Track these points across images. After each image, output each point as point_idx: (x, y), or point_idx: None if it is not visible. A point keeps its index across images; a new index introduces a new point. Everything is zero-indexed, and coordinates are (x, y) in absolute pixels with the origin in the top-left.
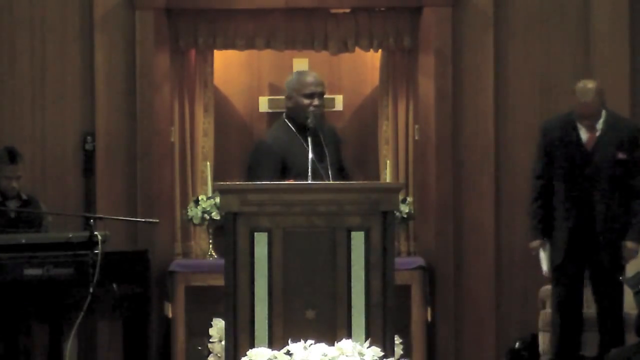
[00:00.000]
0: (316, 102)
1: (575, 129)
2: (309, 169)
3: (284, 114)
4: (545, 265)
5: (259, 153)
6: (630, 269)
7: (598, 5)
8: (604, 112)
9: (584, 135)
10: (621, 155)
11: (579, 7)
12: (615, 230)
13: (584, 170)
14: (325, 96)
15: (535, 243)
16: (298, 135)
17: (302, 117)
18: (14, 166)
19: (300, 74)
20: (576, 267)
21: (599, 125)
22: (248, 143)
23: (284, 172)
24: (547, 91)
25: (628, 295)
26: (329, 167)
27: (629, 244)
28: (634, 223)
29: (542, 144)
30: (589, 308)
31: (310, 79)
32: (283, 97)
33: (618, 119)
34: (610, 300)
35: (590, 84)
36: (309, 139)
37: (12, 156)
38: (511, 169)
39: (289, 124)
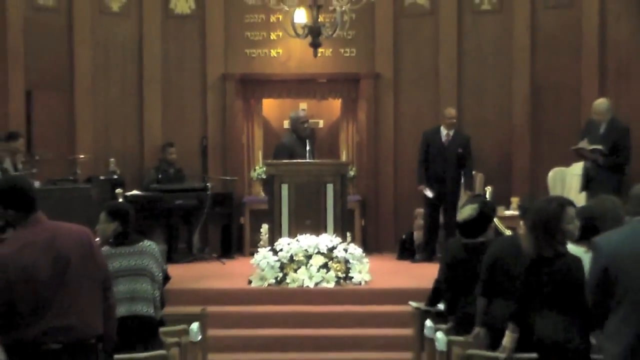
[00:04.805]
0: (306, 125)
1: (439, 134)
2: (307, 156)
3: (290, 129)
4: (429, 193)
5: (279, 147)
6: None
7: (444, 72)
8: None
9: (443, 137)
10: (460, 150)
11: (435, 74)
12: (456, 189)
13: (441, 157)
14: (312, 120)
15: (421, 186)
16: (298, 140)
17: (302, 133)
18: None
19: (297, 113)
20: (436, 201)
21: (452, 133)
22: (278, 142)
23: (291, 156)
24: (420, 121)
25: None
26: (313, 155)
27: (467, 193)
28: (465, 181)
29: (422, 142)
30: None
31: (302, 115)
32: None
33: (461, 131)
34: (451, 215)
35: (453, 112)
36: (307, 142)
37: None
38: (402, 155)
39: (293, 134)
